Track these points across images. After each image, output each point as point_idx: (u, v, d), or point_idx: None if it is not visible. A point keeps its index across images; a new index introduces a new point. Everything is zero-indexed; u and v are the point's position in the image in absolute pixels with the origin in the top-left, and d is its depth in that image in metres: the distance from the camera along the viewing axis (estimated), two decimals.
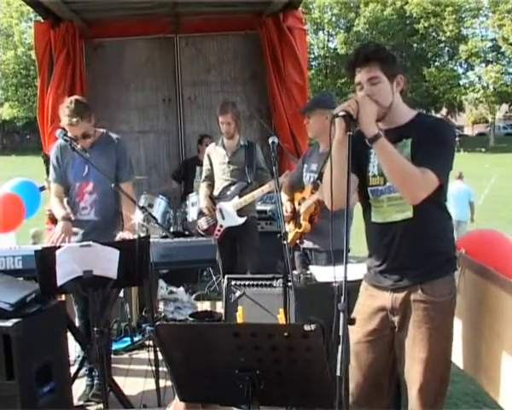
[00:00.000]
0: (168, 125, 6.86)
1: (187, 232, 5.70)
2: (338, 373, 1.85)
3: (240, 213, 4.81)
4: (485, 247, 2.98)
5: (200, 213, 5.06)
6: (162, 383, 3.53)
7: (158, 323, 1.98)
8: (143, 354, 4.49)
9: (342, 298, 1.95)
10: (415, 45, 45.79)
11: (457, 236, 2.77)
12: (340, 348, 1.88)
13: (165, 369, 2.45)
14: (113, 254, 3.02)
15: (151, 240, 3.36)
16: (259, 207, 5.64)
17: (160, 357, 3.16)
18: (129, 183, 3.85)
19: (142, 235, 3.47)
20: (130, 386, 4.04)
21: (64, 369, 3.30)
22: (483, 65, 43.77)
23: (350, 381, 2.51)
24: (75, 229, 3.74)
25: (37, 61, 5.97)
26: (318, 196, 3.72)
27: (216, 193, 4.94)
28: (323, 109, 3.79)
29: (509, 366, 2.38)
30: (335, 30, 46.63)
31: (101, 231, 3.67)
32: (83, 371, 3.84)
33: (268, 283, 3.58)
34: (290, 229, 3.98)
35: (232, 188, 4.85)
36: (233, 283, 3.63)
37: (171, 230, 5.82)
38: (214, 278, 6.13)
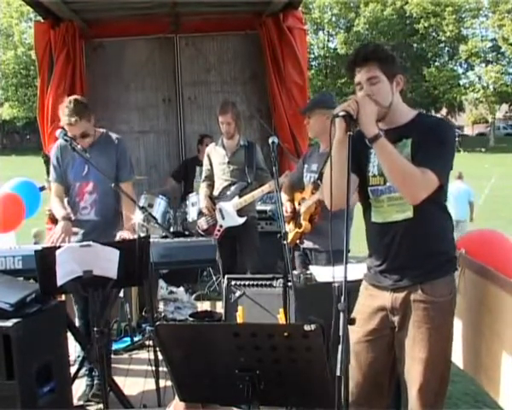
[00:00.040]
0: (168, 125, 6.85)
1: (187, 232, 5.69)
2: (338, 373, 1.85)
3: (240, 213, 4.81)
4: (485, 247, 2.98)
5: (200, 213, 5.06)
6: (162, 383, 3.53)
7: (158, 323, 1.98)
8: (143, 354, 4.49)
9: (342, 298, 1.95)
10: (415, 45, 45.80)
11: (457, 235, 2.76)
12: (340, 348, 1.88)
13: (165, 369, 2.45)
14: (113, 254, 3.02)
15: (151, 240, 3.36)
16: (259, 207, 5.64)
17: (160, 357, 3.16)
18: (129, 183, 3.86)
19: (142, 235, 3.47)
20: (130, 386, 4.04)
21: (64, 369, 3.30)
22: (483, 65, 43.79)
23: (350, 381, 2.51)
24: (75, 229, 3.74)
25: (37, 61, 5.96)
26: (319, 196, 3.72)
27: (216, 193, 4.94)
28: (324, 109, 3.79)
29: (509, 366, 2.38)
30: (335, 30, 46.63)
31: (101, 231, 3.67)
32: (83, 371, 3.84)
33: (268, 283, 3.58)
34: (290, 229, 3.98)
35: (232, 188, 4.85)
36: (233, 283, 3.63)
37: (171, 230, 5.81)
38: (214, 278, 6.13)
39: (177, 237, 4.26)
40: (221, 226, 4.88)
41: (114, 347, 4.49)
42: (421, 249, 2.37)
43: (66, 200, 3.85)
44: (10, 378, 2.86)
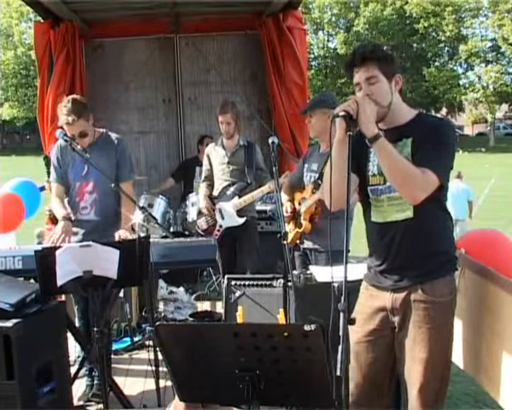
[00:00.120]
0: (168, 125, 6.84)
1: (187, 232, 5.70)
2: (338, 373, 1.85)
3: (239, 213, 4.81)
4: (485, 247, 2.98)
5: (200, 214, 5.06)
6: (162, 383, 3.53)
7: (158, 323, 1.98)
8: (143, 354, 4.49)
9: (342, 298, 1.95)
10: (414, 45, 45.77)
11: (456, 234, 2.77)
12: (340, 348, 1.88)
13: (165, 369, 2.45)
14: (113, 254, 3.02)
15: (151, 240, 3.36)
16: (259, 207, 5.64)
17: (160, 357, 3.16)
18: (129, 182, 3.86)
19: (142, 235, 3.47)
20: (131, 386, 4.04)
21: (64, 369, 3.30)
22: (483, 65, 43.76)
23: (350, 381, 2.51)
24: (75, 229, 3.74)
25: (37, 62, 5.96)
26: (319, 195, 3.72)
27: (215, 193, 4.94)
28: (325, 109, 3.79)
29: (509, 366, 2.38)
30: (335, 30, 46.61)
31: (101, 231, 3.67)
32: (83, 371, 3.84)
33: (268, 283, 3.58)
34: (290, 229, 3.98)
35: (232, 188, 4.85)
36: (233, 283, 3.63)
37: (171, 230, 5.81)
38: (214, 278, 6.13)
39: (177, 237, 4.27)
40: (221, 226, 4.88)
41: (114, 347, 4.48)
42: (421, 249, 2.37)
43: (66, 200, 3.85)
44: (10, 378, 2.86)
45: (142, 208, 3.65)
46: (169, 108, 6.81)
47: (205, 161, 5.07)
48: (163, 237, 4.14)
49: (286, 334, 1.83)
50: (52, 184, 3.91)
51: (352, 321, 1.98)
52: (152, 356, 3.51)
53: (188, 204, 5.68)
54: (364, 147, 2.40)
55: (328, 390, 1.85)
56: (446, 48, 46.22)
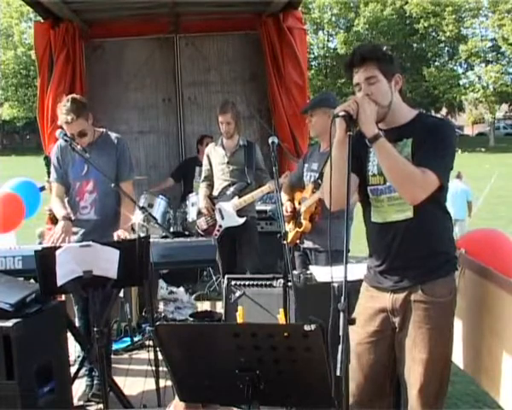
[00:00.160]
0: (168, 125, 6.84)
1: (187, 232, 5.70)
2: (338, 373, 1.85)
3: (239, 213, 4.81)
4: (485, 246, 2.98)
5: (199, 214, 5.06)
6: (162, 383, 3.54)
7: (158, 323, 1.98)
8: (143, 354, 4.49)
9: (342, 298, 1.95)
10: (414, 45, 45.73)
11: (455, 234, 2.76)
12: (340, 348, 1.88)
13: (165, 369, 2.45)
14: (113, 254, 3.02)
15: (151, 240, 3.36)
16: (259, 207, 5.64)
17: (160, 357, 3.16)
18: (129, 182, 3.86)
19: (142, 235, 3.47)
20: (131, 386, 4.05)
21: (64, 369, 3.30)
22: (483, 65, 43.72)
23: (350, 381, 2.50)
24: (75, 228, 3.74)
25: (37, 62, 5.96)
26: (319, 195, 3.72)
27: (215, 193, 4.94)
28: (326, 108, 3.79)
29: (509, 366, 2.37)
30: (335, 30, 46.58)
31: (101, 231, 3.67)
32: (83, 371, 3.84)
33: (268, 283, 3.59)
34: (290, 228, 3.98)
35: (231, 188, 4.85)
36: (233, 283, 3.63)
37: (171, 230, 5.82)
38: (214, 278, 6.13)
39: (177, 237, 4.26)
40: (220, 226, 4.87)
41: (114, 347, 4.49)
42: (421, 249, 2.37)
43: (66, 200, 3.85)
44: (10, 378, 2.86)
45: (142, 208, 3.65)
46: (169, 107, 6.81)
47: (205, 161, 5.07)
48: (163, 237, 4.14)
49: (286, 334, 1.83)
50: (52, 183, 3.91)
51: (352, 321, 1.98)
52: (152, 356, 3.51)
53: (188, 204, 5.68)
54: (364, 147, 2.40)
55: (328, 390, 1.85)
56: (446, 48, 46.19)
